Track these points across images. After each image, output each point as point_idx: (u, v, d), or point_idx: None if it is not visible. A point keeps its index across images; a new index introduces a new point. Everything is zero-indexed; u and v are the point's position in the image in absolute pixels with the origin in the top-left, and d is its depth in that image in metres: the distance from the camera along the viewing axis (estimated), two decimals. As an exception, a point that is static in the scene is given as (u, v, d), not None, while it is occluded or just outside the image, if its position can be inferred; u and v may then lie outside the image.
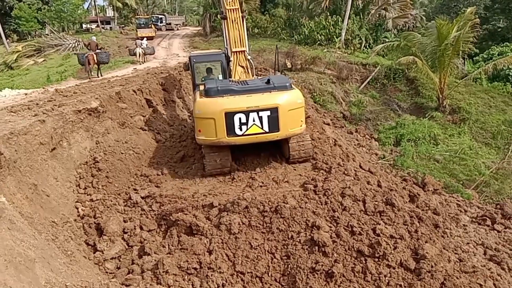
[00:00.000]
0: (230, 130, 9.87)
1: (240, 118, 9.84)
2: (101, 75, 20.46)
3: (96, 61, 20.17)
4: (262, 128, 9.94)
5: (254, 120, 9.89)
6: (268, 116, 9.89)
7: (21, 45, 41.66)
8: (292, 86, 10.82)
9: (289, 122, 10.08)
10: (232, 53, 12.41)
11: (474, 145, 18.58)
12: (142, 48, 27.16)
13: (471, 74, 24.22)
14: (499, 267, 8.31)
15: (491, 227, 10.75)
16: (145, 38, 33.76)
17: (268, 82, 10.50)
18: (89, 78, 19.53)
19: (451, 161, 16.73)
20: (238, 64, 12.41)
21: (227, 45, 13.03)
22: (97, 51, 20.82)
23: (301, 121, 10.52)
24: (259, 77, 12.53)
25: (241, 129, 9.91)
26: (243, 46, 12.49)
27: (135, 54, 26.86)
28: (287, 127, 10.08)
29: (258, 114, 9.85)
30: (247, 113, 9.82)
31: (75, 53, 25.15)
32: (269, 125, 9.94)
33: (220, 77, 13.09)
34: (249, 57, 12.62)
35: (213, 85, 10.47)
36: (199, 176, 10.45)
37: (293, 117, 10.22)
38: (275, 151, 11.36)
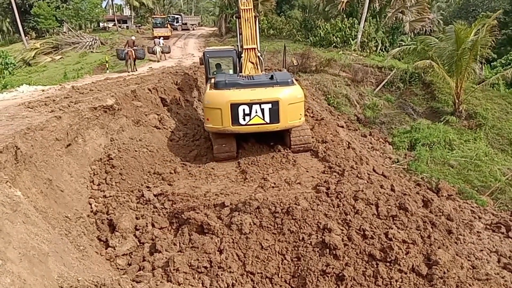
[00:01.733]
0: (235, 120, 10.86)
1: (244, 109, 10.81)
2: (136, 69, 22.64)
3: (134, 56, 22.81)
4: (263, 119, 10.89)
5: (256, 112, 10.84)
6: (269, 108, 10.82)
7: (39, 42, 42.33)
8: (294, 82, 11.70)
9: (288, 114, 10.98)
10: (244, 50, 13.21)
11: (490, 151, 18.29)
12: (160, 47, 28.29)
13: (489, 79, 23.83)
14: (513, 276, 8.17)
15: (506, 235, 10.58)
16: (161, 37, 34.50)
17: (271, 77, 11.47)
18: (128, 71, 21.99)
19: (466, 167, 16.50)
20: (249, 60, 13.24)
21: (239, 42, 13.75)
22: (134, 48, 23.43)
23: (300, 114, 11.39)
24: (265, 73, 13.29)
25: (244, 119, 10.87)
26: (254, 44, 13.28)
27: (153, 52, 27.79)
28: (286, 119, 10.98)
29: (260, 106, 10.80)
30: (250, 105, 10.78)
31: (115, 49, 28.25)
32: (270, 116, 10.87)
33: (231, 71, 14.14)
34: (259, 54, 13.45)
35: (221, 79, 11.58)
36: (211, 175, 10.50)
37: (293, 110, 11.09)
38: (287, 152, 11.41)
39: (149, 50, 28.53)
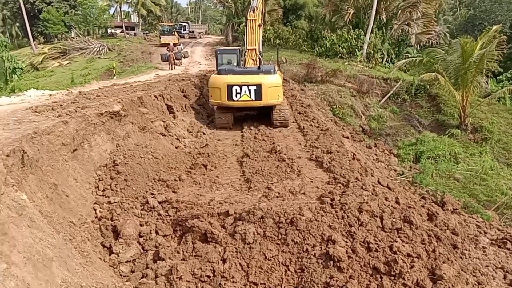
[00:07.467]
0: (230, 97, 15.26)
1: (236, 89, 15.15)
2: (174, 68, 28.04)
3: (174, 58, 28.82)
4: (250, 97, 15.24)
5: (245, 91, 15.13)
6: (254, 89, 15.12)
7: (47, 47, 42.69)
8: (275, 71, 16.01)
9: (269, 95, 15.24)
10: (247, 50, 17.15)
11: (495, 165, 18.16)
12: (174, 53, 29.99)
13: (495, 93, 23.81)
14: (519, 293, 8.08)
15: (512, 251, 10.45)
16: (180, 44, 36.35)
17: (259, 68, 15.86)
18: (170, 69, 27.57)
19: (472, 181, 16.36)
20: (250, 57, 17.11)
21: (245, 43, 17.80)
22: (174, 51, 29.19)
23: (279, 95, 15.60)
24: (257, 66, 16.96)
25: (236, 97, 15.22)
26: (255, 46, 17.13)
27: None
28: (267, 98, 15.27)
29: (248, 87, 15.09)
30: (241, 86, 15.09)
31: (160, 54, 31.90)
32: (255, 95, 15.19)
33: (235, 64, 18.03)
34: (259, 53, 17.13)
35: (223, 68, 16.28)
36: (216, 183, 10.48)
37: (273, 92, 15.32)
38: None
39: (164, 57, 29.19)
